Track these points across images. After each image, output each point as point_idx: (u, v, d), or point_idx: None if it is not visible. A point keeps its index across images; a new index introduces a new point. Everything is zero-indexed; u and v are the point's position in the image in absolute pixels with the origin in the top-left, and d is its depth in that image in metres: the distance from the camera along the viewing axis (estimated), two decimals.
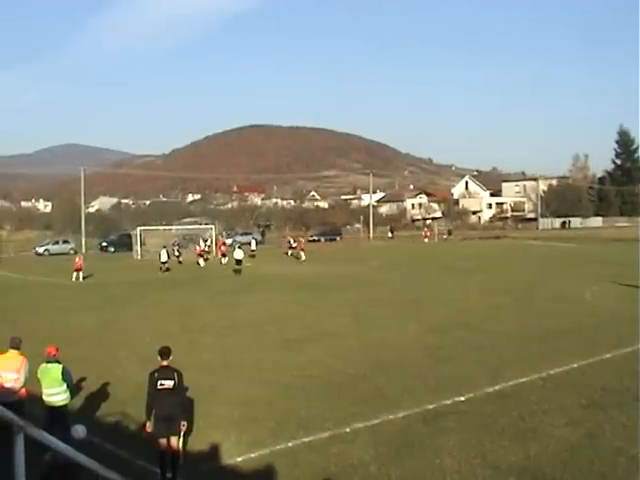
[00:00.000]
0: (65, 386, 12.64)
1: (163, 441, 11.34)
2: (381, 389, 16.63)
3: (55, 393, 12.55)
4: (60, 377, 12.52)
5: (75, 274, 46.68)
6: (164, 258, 52.30)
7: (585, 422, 13.55)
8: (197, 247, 61.78)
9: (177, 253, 59.82)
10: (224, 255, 59.85)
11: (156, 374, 11.49)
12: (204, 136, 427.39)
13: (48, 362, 12.72)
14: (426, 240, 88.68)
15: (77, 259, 48.08)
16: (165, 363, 11.62)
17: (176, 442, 11.44)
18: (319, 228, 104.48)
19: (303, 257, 60.25)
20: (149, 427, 11.46)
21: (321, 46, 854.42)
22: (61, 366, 12.65)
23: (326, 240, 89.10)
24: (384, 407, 14.90)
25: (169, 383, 11.36)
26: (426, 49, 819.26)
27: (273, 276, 46.74)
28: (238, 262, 50.04)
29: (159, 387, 11.35)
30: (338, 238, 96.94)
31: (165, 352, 11.73)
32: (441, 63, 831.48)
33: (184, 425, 11.62)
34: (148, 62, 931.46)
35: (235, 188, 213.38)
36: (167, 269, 51.69)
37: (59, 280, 46.46)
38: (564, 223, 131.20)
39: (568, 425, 13.38)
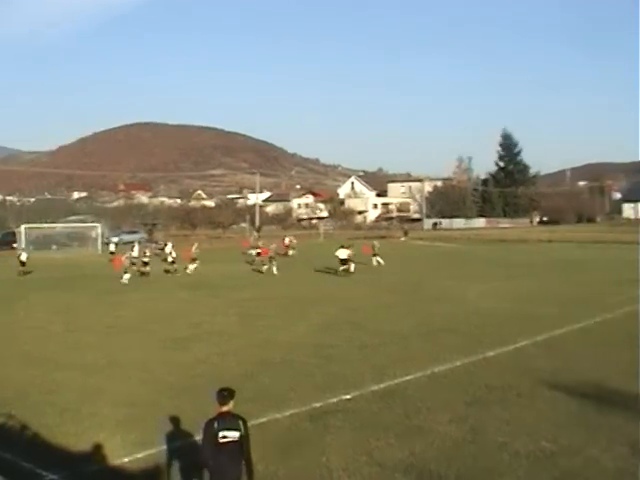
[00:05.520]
0: None
1: None
2: (268, 388, 16.51)
3: None
4: None
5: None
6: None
7: (469, 418, 13.79)
8: (131, 252, 50.66)
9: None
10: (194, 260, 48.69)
11: (216, 424, 8.76)
12: (92, 132, 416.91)
13: None
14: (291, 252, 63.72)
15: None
16: (226, 409, 8.94)
17: None
18: None
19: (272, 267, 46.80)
20: None
21: (209, 44, 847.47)
22: None
23: None
24: (271, 406, 14.80)
25: (234, 435, 8.73)
26: (315, 47, 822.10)
27: (159, 276, 46.15)
28: (343, 262, 43.76)
29: (221, 440, 8.68)
30: None
31: (226, 395, 9.00)
32: (328, 63, 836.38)
33: None
34: (35, 56, 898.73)
35: (121, 186, 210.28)
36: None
37: None
38: (435, 224, 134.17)
39: (452, 422, 13.59)
